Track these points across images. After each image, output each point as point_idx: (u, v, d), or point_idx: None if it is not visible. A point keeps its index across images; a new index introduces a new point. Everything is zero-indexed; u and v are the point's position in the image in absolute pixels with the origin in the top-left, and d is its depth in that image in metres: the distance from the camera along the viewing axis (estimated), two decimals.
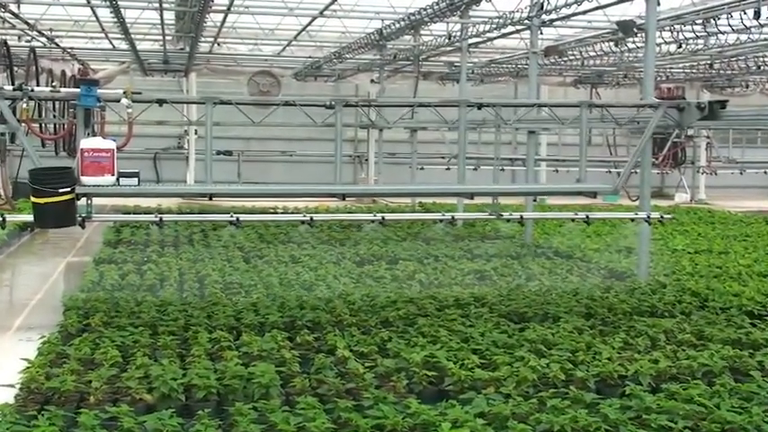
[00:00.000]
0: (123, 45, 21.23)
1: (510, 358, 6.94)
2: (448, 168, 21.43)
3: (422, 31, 18.75)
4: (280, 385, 6.22)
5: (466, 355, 6.98)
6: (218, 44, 22.90)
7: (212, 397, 6.08)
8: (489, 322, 8.38)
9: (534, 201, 15.16)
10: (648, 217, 9.68)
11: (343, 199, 8.82)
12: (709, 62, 21.45)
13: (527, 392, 6.26)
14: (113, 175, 7.94)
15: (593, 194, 9.47)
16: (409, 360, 6.76)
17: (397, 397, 6.07)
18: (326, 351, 7.34)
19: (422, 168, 21.51)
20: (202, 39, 20.25)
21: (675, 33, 16.01)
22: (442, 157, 22.55)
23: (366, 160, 25.55)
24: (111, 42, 21.75)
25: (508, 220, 10.21)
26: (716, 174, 26.22)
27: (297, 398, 5.98)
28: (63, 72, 19.31)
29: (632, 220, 10.45)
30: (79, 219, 8.03)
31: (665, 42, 16.87)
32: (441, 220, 9.94)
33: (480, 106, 8.85)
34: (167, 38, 20.81)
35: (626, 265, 12.22)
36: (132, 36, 19.06)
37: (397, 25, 17.48)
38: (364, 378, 6.38)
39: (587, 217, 9.73)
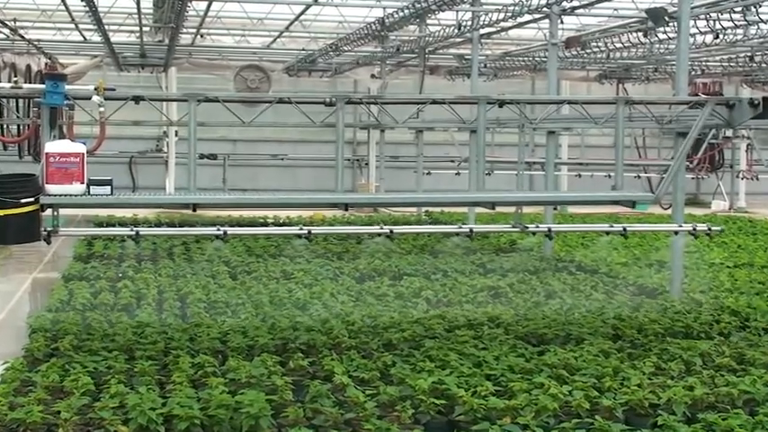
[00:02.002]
0: (96, 37, 21.29)
1: (528, 385, 6.94)
2: (458, 173, 21.47)
3: (428, 21, 18.81)
4: (271, 415, 6.22)
5: (479, 382, 6.98)
6: (202, 36, 22.97)
7: (195, 429, 6.09)
8: (505, 345, 8.39)
9: (555, 209, 15.15)
10: (695, 229, 9.49)
11: (346, 209, 8.80)
12: (749, 54, 21.49)
13: (547, 423, 6.26)
14: (83, 182, 7.92)
15: (632, 204, 9.38)
16: (415, 387, 6.76)
17: (401, 428, 6.08)
18: (323, 377, 7.34)
19: (428, 173, 21.56)
20: (183, 30, 20.33)
21: (711, 22, 16.05)
22: (451, 161, 22.61)
23: (366, 164, 25.61)
24: (81, 34, 21.84)
25: (534, 233, 10.10)
26: (757, 179, 26.24)
27: (290, 429, 5.99)
28: (28, 67, 19.37)
29: (676, 233, 10.31)
30: (44, 233, 8.02)
31: (700, 32, 16.92)
32: (457, 234, 9.82)
33: (502, 103, 8.83)
34: (144, 29, 20.88)
35: (657, 281, 12.21)
36: (106, 27, 19.13)
37: (401, 14, 17.54)
38: (365, 407, 6.38)
39: (624, 230, 9.58)
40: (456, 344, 8.35)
